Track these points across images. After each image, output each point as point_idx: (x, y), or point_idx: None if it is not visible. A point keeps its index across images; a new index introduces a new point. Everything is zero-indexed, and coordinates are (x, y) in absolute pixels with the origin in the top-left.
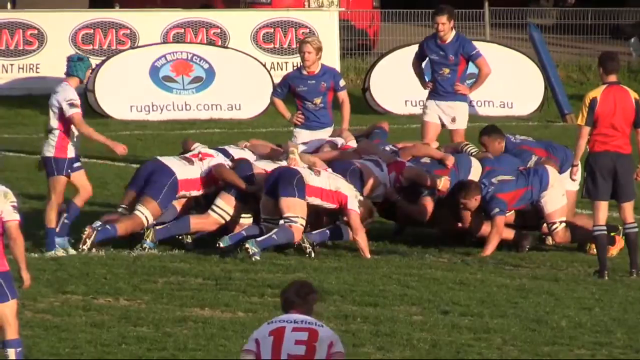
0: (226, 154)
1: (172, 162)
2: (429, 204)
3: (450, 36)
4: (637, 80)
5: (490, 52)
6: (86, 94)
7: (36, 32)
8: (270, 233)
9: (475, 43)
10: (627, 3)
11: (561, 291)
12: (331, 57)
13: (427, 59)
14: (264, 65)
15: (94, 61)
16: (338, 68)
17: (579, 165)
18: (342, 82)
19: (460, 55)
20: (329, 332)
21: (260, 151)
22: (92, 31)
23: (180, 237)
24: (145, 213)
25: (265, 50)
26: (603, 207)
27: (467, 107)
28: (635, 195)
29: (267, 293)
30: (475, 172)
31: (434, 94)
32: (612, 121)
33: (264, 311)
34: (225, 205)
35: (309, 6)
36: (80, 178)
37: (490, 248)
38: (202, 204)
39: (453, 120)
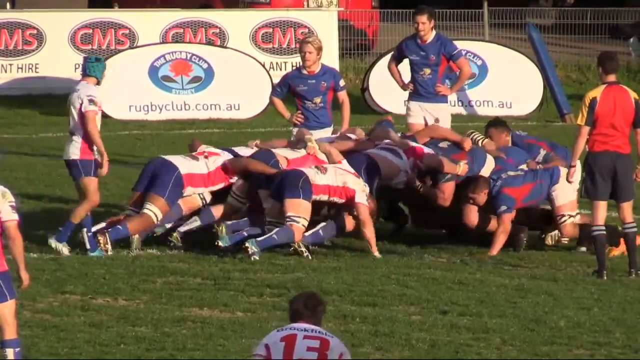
0: (233, 153)
1: (175, 159)
2: (449, 188)
3: (430, 36)
4: (637, 80)
5: (490, 52)
6: None
7: (35, 32)
8: (271, 233)
9: (474, 43)
10: (626, 3)
11: (560, 291)
12: (330, 57)
13: (404, 60)
14: (263, 65)
15: None
16: (337, 68)
17: (577, 166)
18: (342, 82)
19: (441, 55)
20: (340, 343)
21: (275, 144)
22: (91, 31)
23: (169, 238)
24: (154, 211)
25: (264, 50)
26: (602, 207)
27: (449, 107)
28: (635, 195)
29: (265, 293)
30: (488, 167)
31: (416, 95)
32: (611, 121)
33: (263, 311)
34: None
35: (308, 6)
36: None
37: (496, 247)
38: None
39: (436, 121)
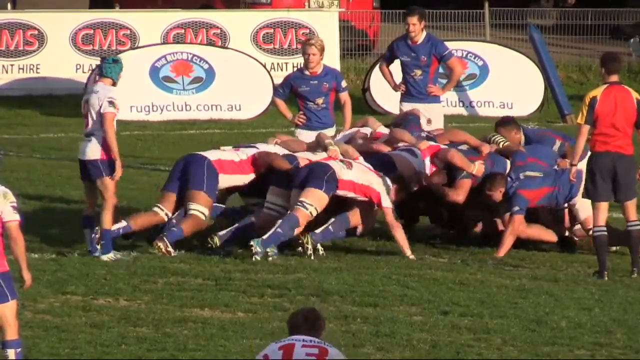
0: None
1: (203, 151)
2: (465, 185)
3: (421, 37)
4: (637, 80)
5: (491, 53)
6: None
7: (36, 32)
8: (274, 228)
9: (475, 44)
10: (626, 3)
11: (561, 292)
12: (331, 57)
13: (395, 61)
14: (264, 66)
15: (94, 62)
16: (338, 68)
17: (577, 166)
18: (344, 83)
19: (432, 56)
20: (339, 353)
21: (294, 147)
22: (92, 32)
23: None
24: (200, 209)
25: (265, 51)
26: (603, 207)
27: (442, 108)
28: (637, 195)
29: (267, 293)
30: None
31: (408, 96)
32: (612, 121)
33: (264, 311)
34: (277, 199)
35: (309, 6)
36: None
37: (504, 249)
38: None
39: (429, 122)
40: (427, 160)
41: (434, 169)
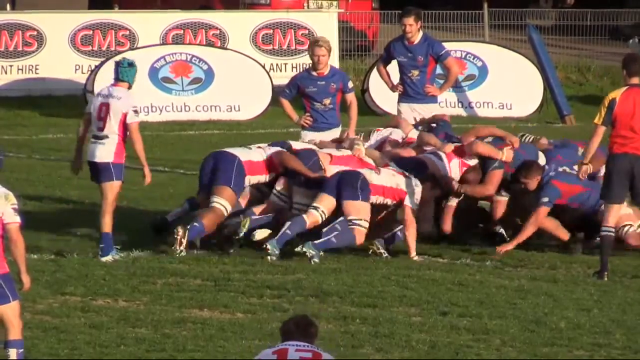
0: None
1: (232, 149)
2: (496, 176)
3: (417, 37)
4: None
5: (490, 54)
6: (85, 94)
7: (35, 33)
8: (330, 235)
9: (474, 44)
10: (626, 4)
11: (560, 292)
12: (330, 58)
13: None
14: (263, 67)
15: (93, 62)
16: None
17: (590, 165)
18: (350, 84)
19: (429, 56)
20: (332, 358)
21: (323, 144)
22: (91, 32)
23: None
24: (222, 203)
25: (264, 52)
26: (615, 209)
27: (439, 108)
28: None
29: (266, 294)
30: (540, 161)
31: (406, 97)
32: (631, 123)
33: (263, 312)
34: (302, 199)
35: (308, 7)
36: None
37: (522, 237)
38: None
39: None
40: (453, 163)
41: (464, 168)
